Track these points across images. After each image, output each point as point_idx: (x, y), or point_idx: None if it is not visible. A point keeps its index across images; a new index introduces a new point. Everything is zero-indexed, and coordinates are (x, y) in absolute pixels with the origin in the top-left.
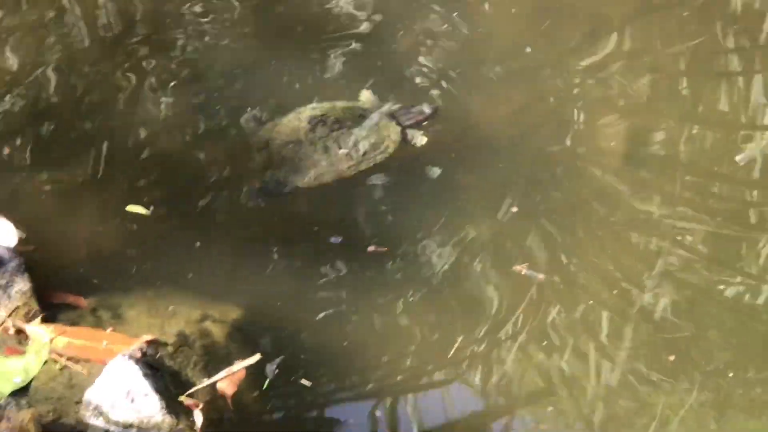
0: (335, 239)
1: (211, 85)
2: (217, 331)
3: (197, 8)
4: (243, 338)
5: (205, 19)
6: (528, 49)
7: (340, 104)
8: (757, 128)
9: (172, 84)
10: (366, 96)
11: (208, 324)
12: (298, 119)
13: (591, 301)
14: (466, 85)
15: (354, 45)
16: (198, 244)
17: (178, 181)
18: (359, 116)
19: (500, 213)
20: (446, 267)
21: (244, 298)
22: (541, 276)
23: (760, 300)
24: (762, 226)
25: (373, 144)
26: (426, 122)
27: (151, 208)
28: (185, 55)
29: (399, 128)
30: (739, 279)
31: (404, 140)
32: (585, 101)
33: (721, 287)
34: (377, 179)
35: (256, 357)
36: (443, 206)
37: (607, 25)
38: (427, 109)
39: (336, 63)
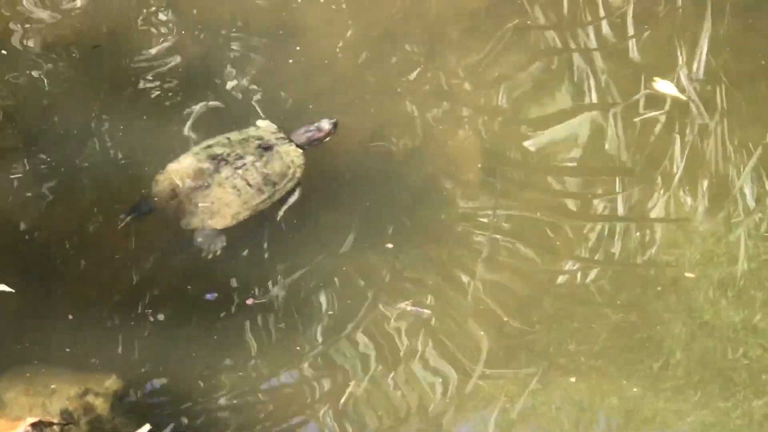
0: (210, 296)
1: (51, 147)
2: (100, 404)
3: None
4: (127, 408)
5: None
6: (368, 78)
7: (234, 136)
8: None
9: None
10: (263, 124)
11: (90, 398)
12: (199, 160)
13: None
14: (314, 118)
15: (188, 88)
16: (70, 316)
17: (39, 252)
18: (258, 147)
19: (377, 249)
20: (331, 312)
21: (124, 366)
22: (427, 311)
23: (583, 282)
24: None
25: (280, 173)
26: (328, 138)
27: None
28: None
29: (300, 151)
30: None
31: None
32: (434, 122)
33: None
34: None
35: (146, 428)
36: (320, 247)
37: (443, 43)
38: (326, 124)
39: (185, 110)
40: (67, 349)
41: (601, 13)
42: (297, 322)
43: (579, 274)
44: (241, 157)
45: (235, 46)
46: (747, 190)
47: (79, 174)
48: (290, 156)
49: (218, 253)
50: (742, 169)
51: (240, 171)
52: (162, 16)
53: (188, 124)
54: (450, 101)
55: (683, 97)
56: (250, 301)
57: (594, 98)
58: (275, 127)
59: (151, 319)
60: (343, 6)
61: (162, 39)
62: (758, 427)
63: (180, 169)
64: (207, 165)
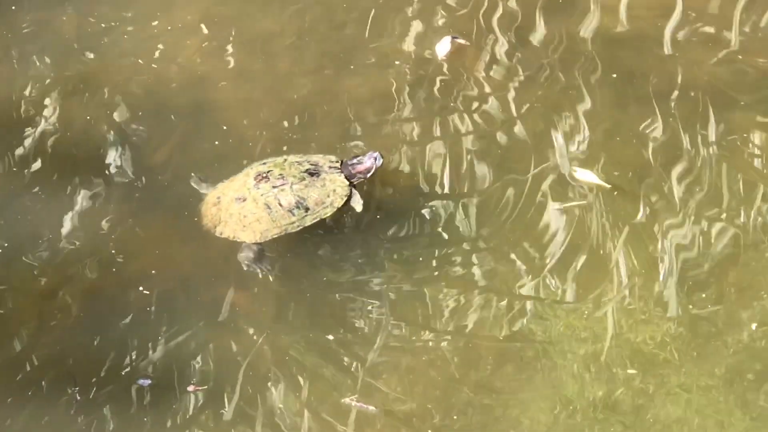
0: (144, 381)
1: None
2: None
3: None
4: None
5: None
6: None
7: (291, 158)
8: None
9: None
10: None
11: None
12: (247, 174)
13: None
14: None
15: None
16: None
17: None
18: (306, 171)
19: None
20: (278, 404)
21: None
22: (372, 408)
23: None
24: None
25: (317, 200)
26: (370, 173)
27: None
28: None
29: (346, 182)
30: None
31: (349, 198)
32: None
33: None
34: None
35: None
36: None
37: (358, 123)
38: (367, 160)
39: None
40: None
41: (487, 90)
42: (241, 414)
43: (441, 344)
44: (282, 178)
45: (152, 124)
46: (621, 268)
47: None
48: (334, 185)
49: (265, 272)
50: (615, 246)
51: (275, 190)
52: (73, 97)
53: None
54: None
55: (606, 185)
56: (191, 388)
57: (481, 183)
58: (335, 158)
59: (79, 398)
60: (258, 87)
61: (72, 120)
62: None
63: (234, 180)
64: (250, 179)
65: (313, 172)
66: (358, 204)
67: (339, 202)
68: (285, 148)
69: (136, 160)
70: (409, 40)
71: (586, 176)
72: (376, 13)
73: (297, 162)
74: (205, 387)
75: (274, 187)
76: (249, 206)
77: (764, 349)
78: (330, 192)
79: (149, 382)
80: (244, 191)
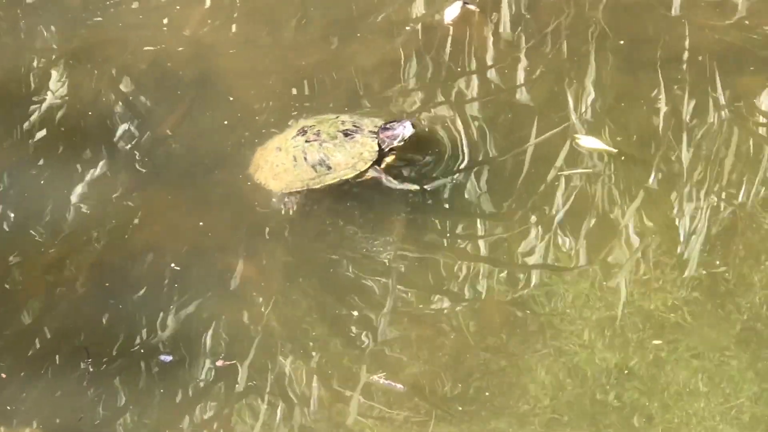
0: (165, 357)
1: None
2: None
3: None
4: None
5: None
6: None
7: (342, 117)
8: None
9: None
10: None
11: None
12: (295, 127)
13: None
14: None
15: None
16: (3, 375)
17: None
18: (342, 131)
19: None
20: (289, 374)
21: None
22: (400, 386)
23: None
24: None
25: (339, 161)
26: (397, 141)
27: None
28: None
29: (376, 147)
30: None
31: (378, 160)
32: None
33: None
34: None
35: None
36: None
37: (365, 92)
38: (397, 126)
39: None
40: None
41: (494, 56)
42: (265, 387)
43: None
44: (317, 134)
45: (159, 95)
46: (631, 234)
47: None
48: (363, 148)
49: (290, 211)
50: (625, 212)
51: (306, 145)
52: (79, 68)
53: None
54: None
55: (612, 150)
56: (219, 363)
57: (489, 149)
58: (382, 122)
59: (90, 370)
60: (265, 57)
61: (78, 91)
62: None
63: (285, 131)
64: (293, 131)
65: (349, 133)
66: (382, 174)
67: (362, 166)
68: (293, 115)
69: (142, 131)
70: (416, 6)
71: (591, 143)
72: None
73: (342, 121)
74: (233, 362)
75: (307, 141)
76: (281, 156)
77: None
78: (356, 155)
79: (170, 358)
80: (282, 142)
